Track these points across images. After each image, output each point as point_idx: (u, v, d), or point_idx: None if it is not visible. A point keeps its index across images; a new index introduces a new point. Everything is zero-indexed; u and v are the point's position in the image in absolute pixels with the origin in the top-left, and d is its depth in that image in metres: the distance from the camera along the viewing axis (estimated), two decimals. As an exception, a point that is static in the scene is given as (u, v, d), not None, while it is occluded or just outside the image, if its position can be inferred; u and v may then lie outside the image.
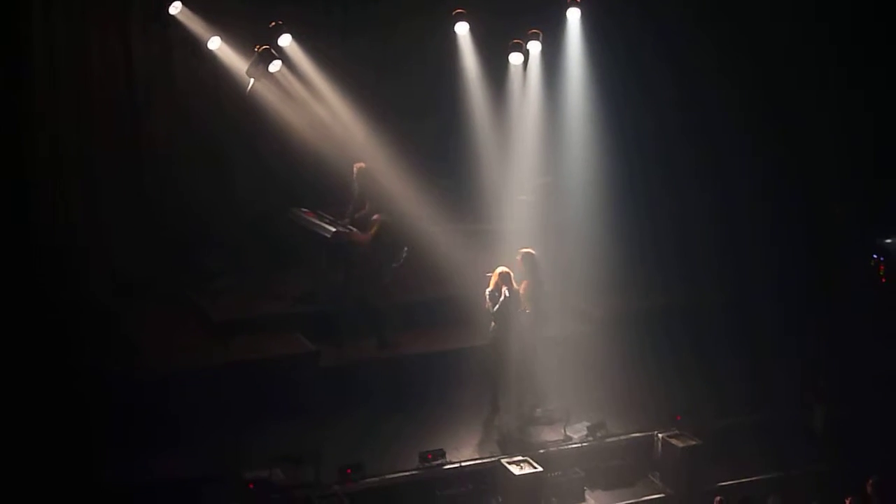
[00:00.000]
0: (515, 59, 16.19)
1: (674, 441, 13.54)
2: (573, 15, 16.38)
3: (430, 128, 17.25)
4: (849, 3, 17.50)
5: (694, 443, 13.49)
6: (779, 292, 16.48)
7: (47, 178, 15.31)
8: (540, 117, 16.70)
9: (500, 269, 13.84)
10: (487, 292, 13.86)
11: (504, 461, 12.96)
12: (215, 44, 15.04)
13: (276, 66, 15.07)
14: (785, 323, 15.93)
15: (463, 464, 13.11)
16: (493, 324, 13.88)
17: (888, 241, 17.55)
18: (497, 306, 13.75)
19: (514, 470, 12.74)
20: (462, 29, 16.16)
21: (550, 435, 13.68)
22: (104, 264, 15.60)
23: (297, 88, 15.96)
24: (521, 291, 13.86)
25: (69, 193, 15.51)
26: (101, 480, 12.39)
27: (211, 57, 15.21)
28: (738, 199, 17.42)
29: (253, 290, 15.89)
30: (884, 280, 17.31)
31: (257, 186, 16.84)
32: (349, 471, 12.60)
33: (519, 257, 13.99)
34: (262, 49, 14.87)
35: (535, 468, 12.79)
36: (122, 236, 15.85)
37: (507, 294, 13.71)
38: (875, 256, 17.38)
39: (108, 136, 15.77)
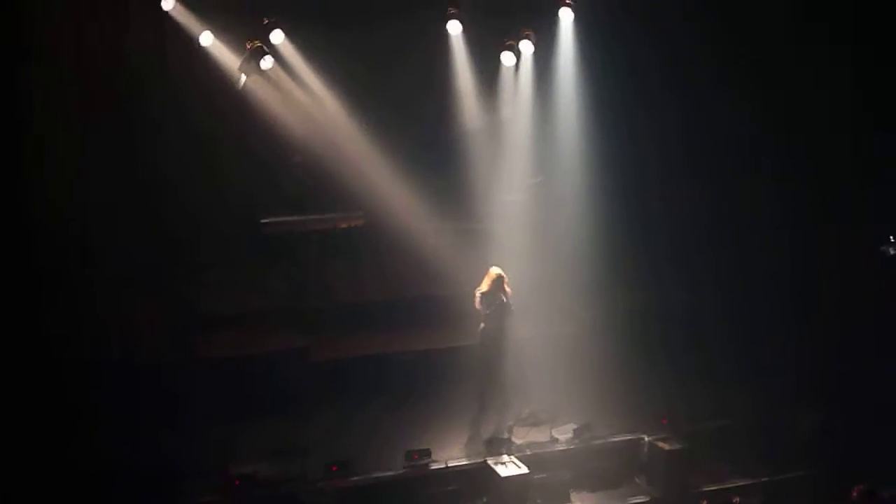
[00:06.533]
0: (508, 59, 16.16)
1: (660, 444, 13.55)
2: (566, 15, 16.30)
3: (421, 126, 17.16)
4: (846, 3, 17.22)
5: (680, 446, 13.51)
6: (775, 295, 16.27)
7: (39, 168, 15.23)
8: (531, 117, 16.66)
9: (494, 269, 13.82)
10: (479, 293, 13.84)
11: (490, 461, 12.98)
12: (207, 40, 14.99)
13: (268, 62, 15.05)
14: (780, 326, 15.74)
15: (449, 463, 13.12)
16: (482, 324, 13.88)
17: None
18: (489, 308, 13.73)
19: (500, 470, 12.77)
20: (454, 28, 16.12)
21: (537, 436, 13.68)
22: (95, 256, 15.54)
23: (289, 84, 15.93)
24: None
25: (60, 184, 15.45)
26: (83, 469, 12.39)
27: (203, 52, 15.17)
28: (734, 198, 17.20)
29: (243, 284, 15.88)
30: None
31: (248, 180, 16.81)
32: (335, 468, 12.62)
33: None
34: (254, 46, 14.84)
35: (521, 469, 12.81)
36: (112, 228, 15.78)
37: (501, 296, 13.72)
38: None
39: (100, 127, 15.70)
